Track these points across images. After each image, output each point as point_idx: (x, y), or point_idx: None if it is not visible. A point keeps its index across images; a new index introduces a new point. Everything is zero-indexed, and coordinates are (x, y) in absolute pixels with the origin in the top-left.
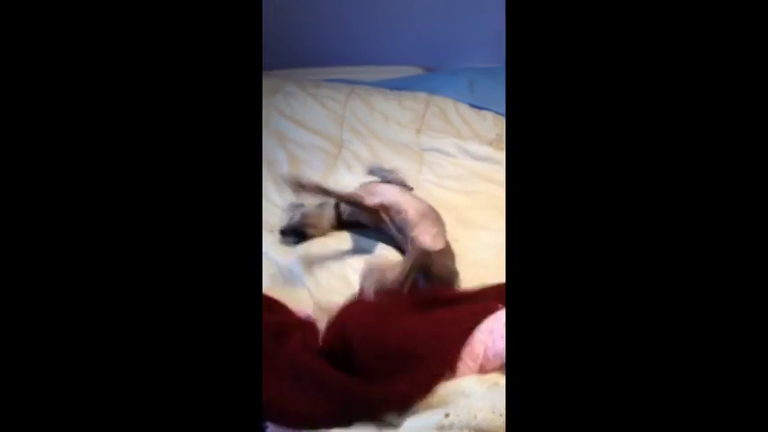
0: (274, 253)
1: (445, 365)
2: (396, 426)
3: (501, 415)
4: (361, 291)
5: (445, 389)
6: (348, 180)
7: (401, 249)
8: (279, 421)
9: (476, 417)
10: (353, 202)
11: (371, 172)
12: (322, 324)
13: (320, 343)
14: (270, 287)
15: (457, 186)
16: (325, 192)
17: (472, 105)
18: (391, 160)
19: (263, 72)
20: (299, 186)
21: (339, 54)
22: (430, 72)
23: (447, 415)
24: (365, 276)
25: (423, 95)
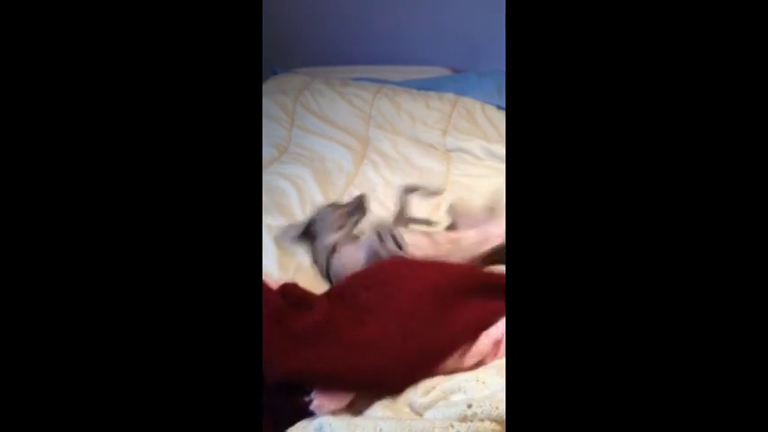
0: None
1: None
2: (419, 414)
3: None
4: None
5: (464, 376)
6: (372, 176)
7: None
8: (325, 388)
9: (497, 408)
10: None
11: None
12: None
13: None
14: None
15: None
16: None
17: (500, 107)
18: (417, 159)
19: (293, 69)
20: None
21: (367, 53)
22: (458, 73)
23: (470, 406)
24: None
25: (450, 96)
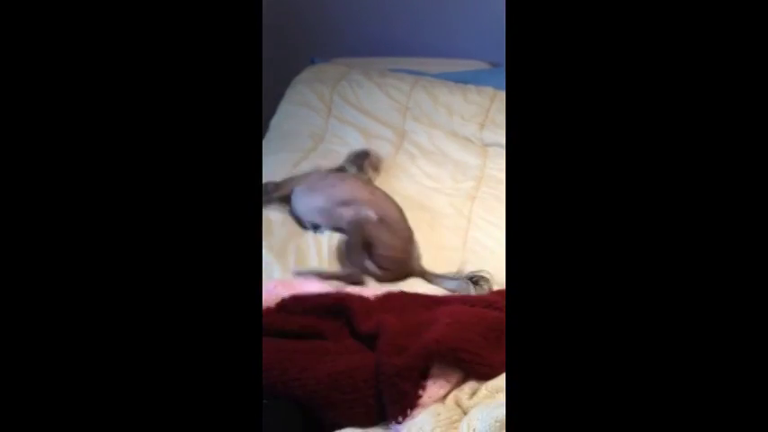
0: None
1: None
2: (464, 411)
3: None
4: None
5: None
6: (409, 167)
7: None
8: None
9: None
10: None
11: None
12: None
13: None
14: None
15: None
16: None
17: None
18: (453, 153)
19: (331, 59)
20: None
21: (405, 45)
22: (496, 67)
23: None
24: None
25: (489, 90)
